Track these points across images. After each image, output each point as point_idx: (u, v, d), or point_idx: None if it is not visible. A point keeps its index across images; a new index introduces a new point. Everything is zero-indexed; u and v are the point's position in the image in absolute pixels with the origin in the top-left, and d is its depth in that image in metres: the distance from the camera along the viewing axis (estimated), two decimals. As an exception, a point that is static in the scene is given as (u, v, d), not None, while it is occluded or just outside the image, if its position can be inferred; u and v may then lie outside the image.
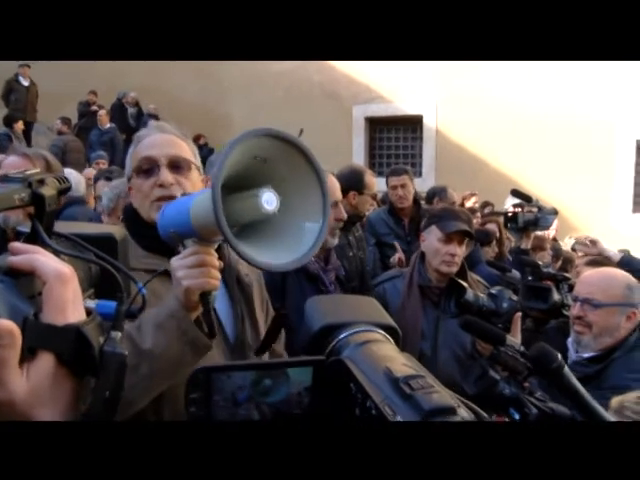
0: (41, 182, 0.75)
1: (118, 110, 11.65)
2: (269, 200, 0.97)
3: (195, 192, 1.24)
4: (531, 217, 3.36)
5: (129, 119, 11.73)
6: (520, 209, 3.41)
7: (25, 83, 11.03)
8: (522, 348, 1.39)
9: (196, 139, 11.96)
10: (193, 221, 1.08)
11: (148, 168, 1.50)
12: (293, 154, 0.98)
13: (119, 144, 10.74)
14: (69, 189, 0.89)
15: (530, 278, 3.05)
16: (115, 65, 11.89)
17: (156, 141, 1.54)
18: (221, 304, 1.49)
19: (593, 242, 3.43)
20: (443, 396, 0.45)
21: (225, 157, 0.90)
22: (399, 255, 3.71)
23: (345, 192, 3.84)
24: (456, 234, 2.56)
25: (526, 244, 3.44)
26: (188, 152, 1.56)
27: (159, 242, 1.23)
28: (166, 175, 1.47)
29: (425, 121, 11.72)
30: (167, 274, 1.23)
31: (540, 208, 3.41)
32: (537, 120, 10.51)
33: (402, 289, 2.66)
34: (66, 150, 8.75)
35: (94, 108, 11.10)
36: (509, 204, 5.84)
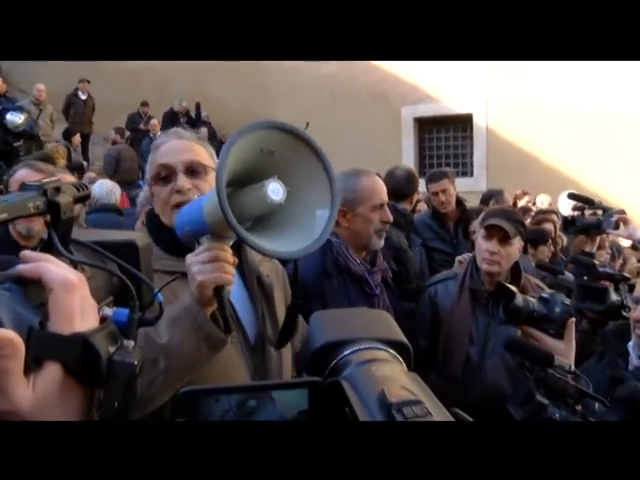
0: (57, 190, 0.74)
1: (170, 119, 11.93)
2: (275, 190, 0.97)
3: (208, 193, 1.26)
4: (593, 220, 3.16)
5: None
6: (580, 212, 3.21)
7: (83, 97, 11.45)
8: (573, 368, 1.30)
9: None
10: (206, 218, 1.09)
11: (165, 175, 1.52)
12: (299, 145, 0.99)
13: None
14: (88, 197, 0.89)
15: (585, 278, 2.90)
16: (162, 75, 12.24)
17: (172, 148, 1.55)
18: (241, 304, 1.50)
19: (624, 221, 3.14)
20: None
21: (227, 149, 0.90)
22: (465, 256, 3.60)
23: (404, 197, 3.82)
24: (496, 232, 2.47)
25: (591, 248, 3.25)
26: (205, 156, 1.57)
27: (179, 244, 1.25)
28: (183, 181, 1.48)
29: (475, 119, 11.49)
30: (183, 274, 1.26)
31: (605, 210, 3.19)
32: (589, 117, 10.15)
33: (453, 291, 2.59)
34: (120, 159, 9.00)
35: (141, 127, 11.38)
36: (564, 206, 5.64)
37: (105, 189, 4.86)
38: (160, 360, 1.23)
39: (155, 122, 11.17)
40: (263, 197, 0.97)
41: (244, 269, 1.54)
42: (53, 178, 0.78)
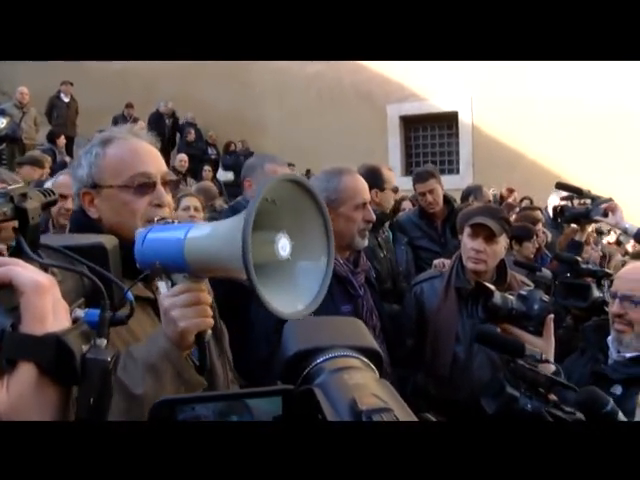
0: (24, 196, 0.75)
1: (155, 120, 11.88)
2: (284, 246, 0.95)
3: (181, 224, 1.16)
4: (582, 210, 3.16)
5: (165, 129, 11.96)
6: (569, 202, 3.22)
7: (66, 99, 11.37)
8: (544, 357, 1.32)
9: (227, 146, 12.13)
10: (187, 256, 1.01)
11: (142, 184, 1.37)
12: (301, 196, 0.97)
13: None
14: (55, 202, 0.89)
15: (568, 275, 2.93)
16: (148, 77, 12.20)
17: (148, 153, 1.43)
18: None
19: (612, 209, 3.16)
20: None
21: (253, 205, 0.88)
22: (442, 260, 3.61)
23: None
24: (482, 230, 2.48)
25: (580, 237, 3.27)
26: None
27: (129, 264, 1.09)
28: (164, 194, 1.38)
29: (460, 117, 11.55)
30: (138, 299, 1.14)
31: (593, 199, 3.19)
32: (574, 113, 10.25)
33: (439, 290, 2.60)
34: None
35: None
36: (554, 199, 5.68)
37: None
38: (133, 410, 1.11)
39: (142, 124, 11.11)
40: (272, 252, 0.94)
41: None
42: (18, 185, 0.79)
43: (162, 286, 1.14)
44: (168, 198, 1.39)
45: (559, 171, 9.77)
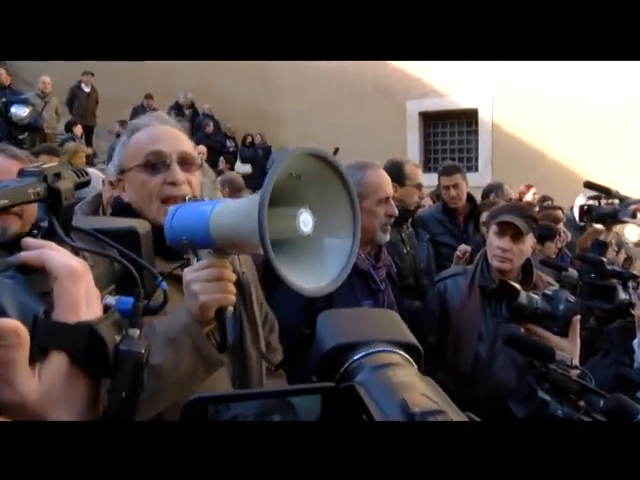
0: (57, 175, 0.72)
1: (175, 112, 11.93)
2: (305, 221, 0.93)
3: (211, 200, 1.17)
4: (609, 210, 3.10)
5: (185, 120, 12.01)
6: (597, 201, 3.16)
7: (87, 90, 11.45)
8: (575, 362, 1.27)
9: (245, 139, 12.13)
10: (213, 231, 1.02)
11: (155, 163, 1.38)
12: (326, 172, 0.95)
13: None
14: (88, 183, 0.86)
15: (593, 276, 2.87)
16: (167, 68, 12.23)
17: (164, 134, 1.44)
18: None
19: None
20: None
21: (271, 177, 0.87)
22: (465, 247, 3.55)
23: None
24: (509, 229, 2.43)
25: (605, 237, 3.21)
26: (193, 149, 1.47)
27: (160, 243, 1.10)
28: (178, 173, 1.37)
29: (480, 114, 11.43)
30: (172, 277, 1.15)
31: (622, 199, 3.13)
32: (595, 111, 10.09)
33: (463, 287, 2.56)
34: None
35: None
36: (581, 200, 5.60)
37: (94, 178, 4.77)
38: (150, 381, 1.12)
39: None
40: (293, 227, 0.93)
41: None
42: (53, 164, 0.76)
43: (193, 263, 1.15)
44: (184, 176, 1.39)
45: (580, 170, 9.63)
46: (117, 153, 1.47)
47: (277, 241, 0.91)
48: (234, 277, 1.16)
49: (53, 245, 0.59)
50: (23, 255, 0.56)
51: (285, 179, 0.93)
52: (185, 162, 1.41)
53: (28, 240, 0.59)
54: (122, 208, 1.42)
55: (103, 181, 2.25)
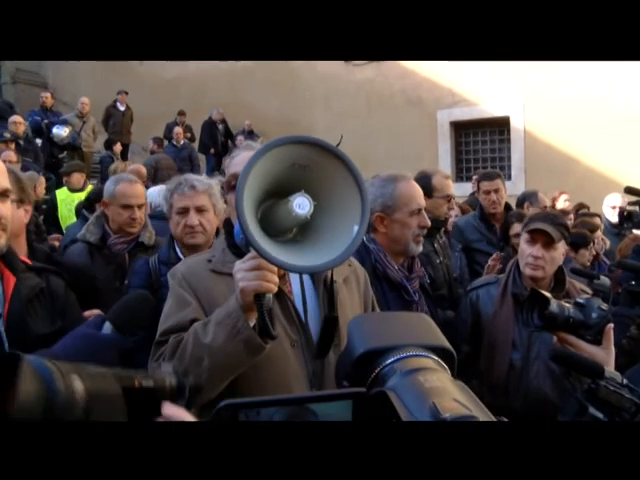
0: None
1: (208, 127, 12.10)
2: (301, 204, 0.98)
3: None
4: None
5: (218, 135, 12.18)
6: (637, 207, 3.09)
7: (122, 108, 11.71)
8: (625, 381, 1.23)
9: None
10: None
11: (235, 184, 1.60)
12: (332, 161, 0.99)
13: (196, 158, 11.29)
14: None
15: (633, 283, 2.79)
16: (198, 84, 12.42)
17: (244, 158, 1.61)
18: (312, 309, 1.54)
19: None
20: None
21: (249, 164, 0.92)
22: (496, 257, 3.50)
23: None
24: (540, 236, 2.42)
25: None
26: None
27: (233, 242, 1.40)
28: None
29: (512, 122, 11.28)
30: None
31: None
32: (629, 117, 9.84)
33: (496, 296, 2.54)
34: (158, 167, 9.15)
35: (176, 129, 11.45)
36: (608, 209, 5.49)
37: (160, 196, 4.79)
38: (205, 358, 1.31)
39: (179, 130, 11.29)
40: (289, 211, 0.98)
41: (314, 274, 1.58)
42: None
43: None
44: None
45: (616, 175, 9.42)
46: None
47: (298, 230, 0.93)
48: (275, 269, 1.25)
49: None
50: None
51: (288, 170, 0.97)
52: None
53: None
54: (227, 225, 1.68)
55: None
